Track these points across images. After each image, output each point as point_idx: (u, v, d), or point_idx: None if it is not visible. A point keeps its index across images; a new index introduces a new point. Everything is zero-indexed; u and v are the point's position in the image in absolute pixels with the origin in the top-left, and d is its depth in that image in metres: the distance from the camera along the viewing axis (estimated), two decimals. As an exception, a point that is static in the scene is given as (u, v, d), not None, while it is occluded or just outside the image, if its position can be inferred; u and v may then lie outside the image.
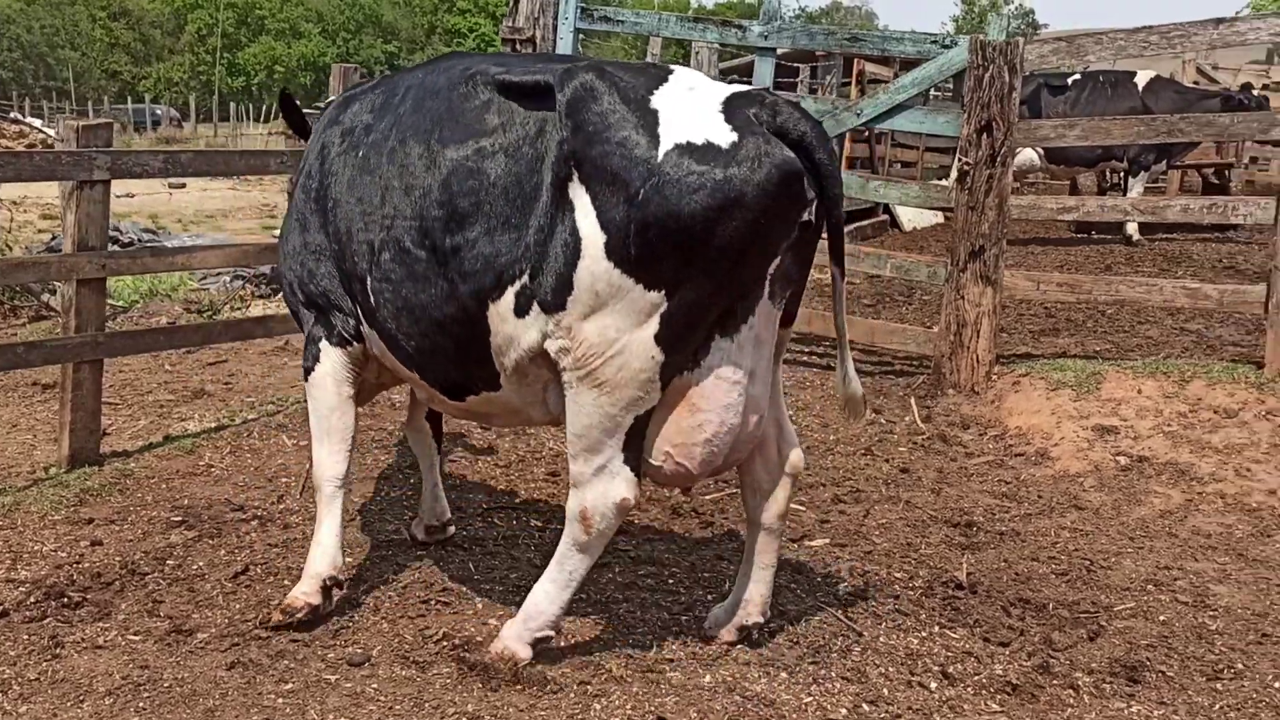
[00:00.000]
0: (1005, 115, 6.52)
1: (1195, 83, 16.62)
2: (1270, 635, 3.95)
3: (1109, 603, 4.22)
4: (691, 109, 3.26)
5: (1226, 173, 15.61)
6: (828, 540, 4.76)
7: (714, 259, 3.18)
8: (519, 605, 3.98)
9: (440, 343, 3.61)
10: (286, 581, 4.19)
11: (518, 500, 5.11)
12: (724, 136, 3.18)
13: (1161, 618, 4.09)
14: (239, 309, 9.39)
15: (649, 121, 3.23)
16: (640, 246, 3.18)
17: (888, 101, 7.07)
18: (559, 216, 3.28)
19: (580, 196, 3.26)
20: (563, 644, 3.74)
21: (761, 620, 3.78)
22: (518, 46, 7.71)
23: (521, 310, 3.37)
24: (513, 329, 3.41)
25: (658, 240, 3.16)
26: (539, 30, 7.70)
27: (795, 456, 3.72)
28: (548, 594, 3.57)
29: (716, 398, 3.35)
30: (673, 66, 3.57)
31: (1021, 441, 6.07)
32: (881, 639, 3.88)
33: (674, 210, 3.14)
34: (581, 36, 8.25)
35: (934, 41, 7.02)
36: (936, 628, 3.98)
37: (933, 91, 18.70)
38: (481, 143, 3.46)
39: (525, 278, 3.35)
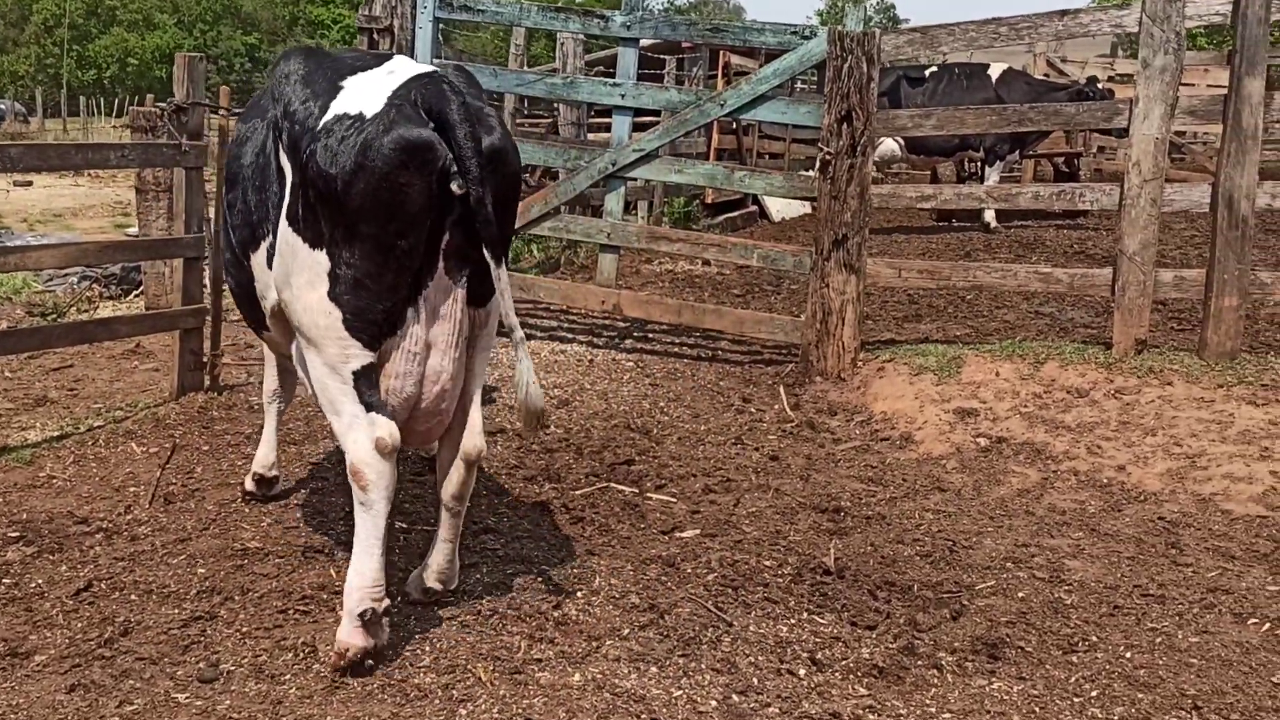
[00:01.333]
0: (865, 105, 6.62)
1: (1045, 75, 17.25)
2: (1122, 607, 4.09)
3: (970, 582, 4.31)
4: (371, 87, 3.57)
5: (1076, 161, 16.25)
6: (698, 531, 4.75)
7: (356, 221, 3.43)
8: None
9: (240, 280, 4.25)
10: (134, 597, 3.98)
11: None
12: (371, 108, 3.46)
13: (1020, 594, 4.20)
14: (86, 311, 8.94)
15: (329, 96, 3.59)
16: (304, 207, 3.53)
17: (750, 92, 7.11)
18: (277, 181, 3.75)
19: (284, 163, 3.69)
20: (427, 648, 3.64)
21: (439, 588, 3.94)
22: (375, 36, 7.50)
23: (267, 264, 3.85)
24: (264, 279, 3.92)
25: (315, 201, 3.48)
26: (397, 20, 7.50)
27: (470, 443, 3.77)
28: (353, 568, 3.55)
29: (396, 365, 3.59)
30: (396, 55, 3.95)
31: (887, 426, 6.18)
32: (751, 628, 3.88)
33: (322, 172, 3.43)
34: (443, 26, 8.09)
35: (794, 33, 7.08)
36: (805, 614, 4.00)
37: (799, 84, 18.98)
38: (256, 119, 4.12)
39: (269, 236, 3.80)
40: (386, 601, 3.55)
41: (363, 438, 3.51)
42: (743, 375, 7.24)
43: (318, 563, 4.30)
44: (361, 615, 3.46)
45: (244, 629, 3.78)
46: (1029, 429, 5.87)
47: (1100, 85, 15.04)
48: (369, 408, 3.53)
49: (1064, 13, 6.23)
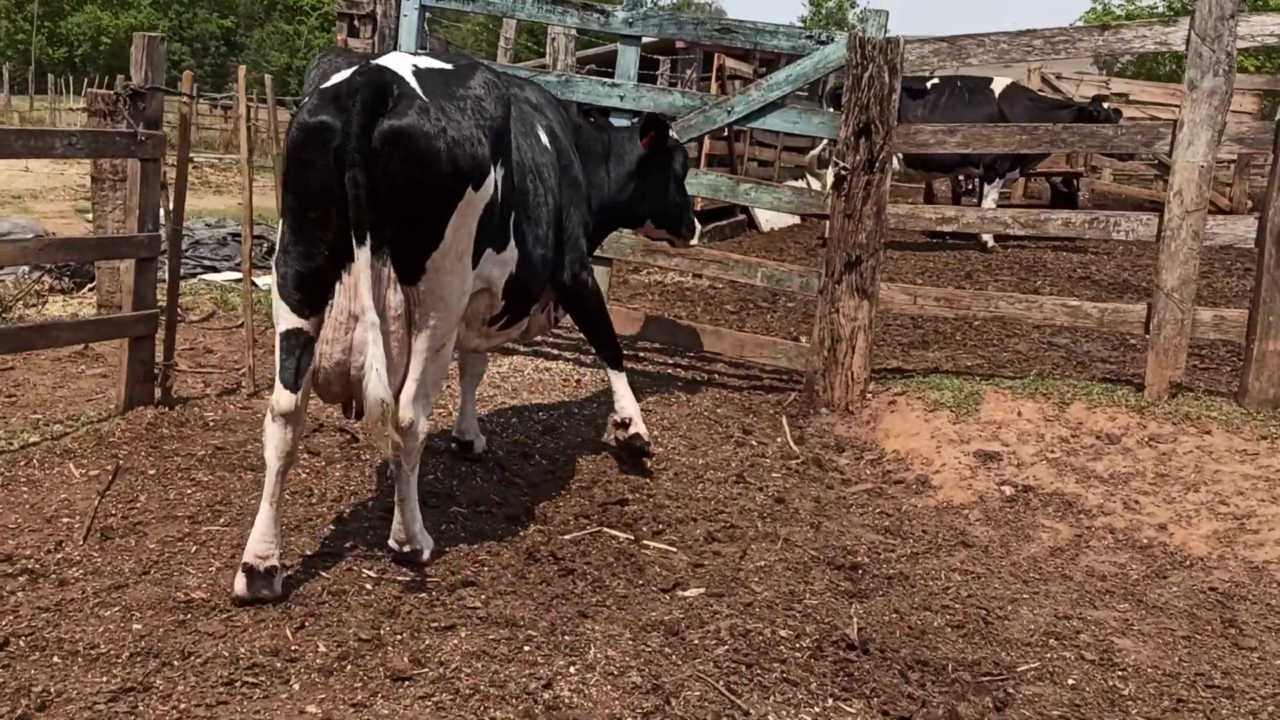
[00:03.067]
0: (885, 118, 6.14)
1: (1041, 91, 16.86)
2: (1186, 701, 3.62)
3: (1011, 662, 3.83)
4: (330, 79, 3.86)
5: (1076, 182, 15.86)
6: (703, 589, 4.24)
7: (284, 194, 3.88)
8: (344, 685, 3.34)
9: None
10: (56, 659, 3.42)
11: (346, 545, 4.41)
12: (308, 99, 3.83)
13: (1070, 681, 3.71)
14: (34, 305, 8.31)
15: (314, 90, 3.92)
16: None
17: (761, 99, 6.61)
18: None
19: None
20: (397, 740, 3.10)
21: (395, 547, 4.20)
22: (355, 23, 6.95)
23: None
24: None
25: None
26: (380, 6, 6.94)
27: (399, 414, 3.93)
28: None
29: (325, 332, 3.84)
30: (394, 54, 4.18)
31: (901, 467, 5.69)
32: (770, 717, 3.37)
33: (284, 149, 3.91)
34: (429, 15, 7.54)
35: (809, 36, 6.59)
36: (830, 700, 3.50)
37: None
38: None
39: None
40: (270, 561, 3.82)
41: (272, 399, 3.87)
42: (742, 403, 6.73)
43: (269, 621, 3.75)
44: (243, 567, 3.84)
45: (181, 704, 3.23)
46: (1058, 478, 5.40)
47: (1106, 105, 14.66)
48: (283, 372, 3.83)
49: (1105, 27, 5.77)
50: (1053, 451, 5.59)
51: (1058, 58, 6.02)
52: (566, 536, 4.62)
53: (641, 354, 7.68)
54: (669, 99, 6.94)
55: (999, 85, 13.04)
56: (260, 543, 3.83)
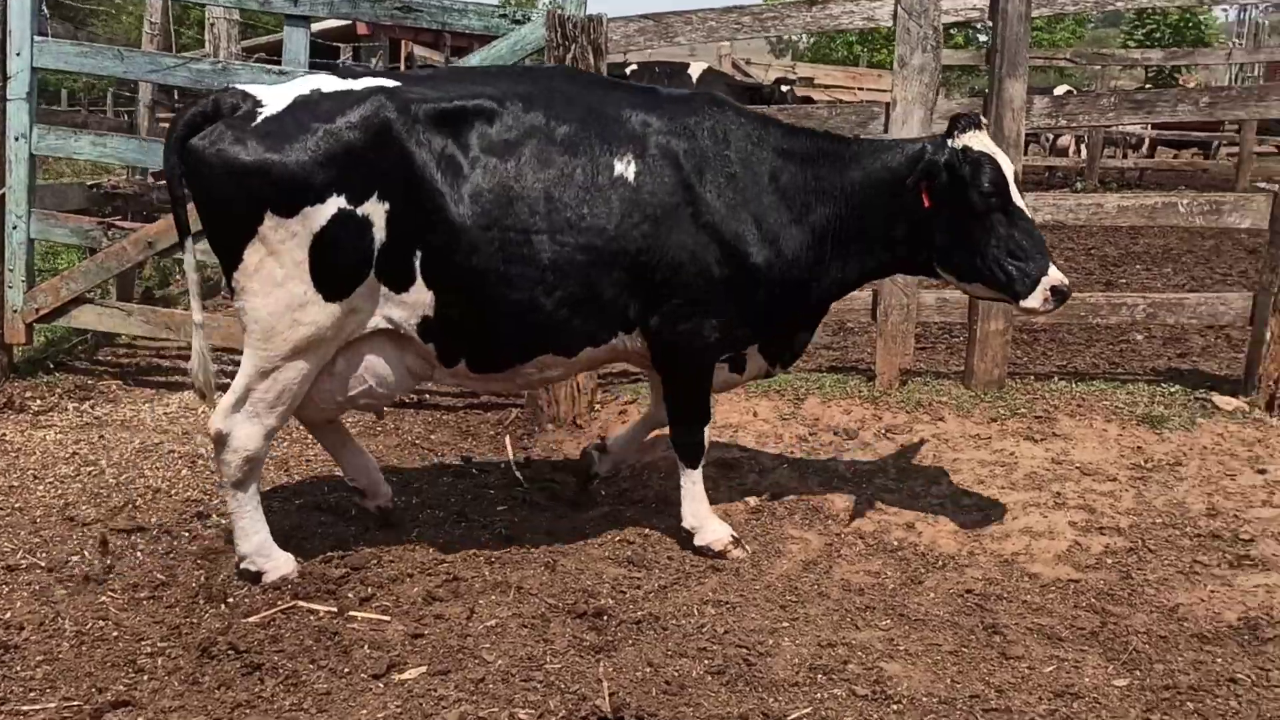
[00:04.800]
0: (592, 103, 5.60)
1: (733, 75, 17.10)
2: (968, 733, 3.29)
3: (781, 710, 3.38)
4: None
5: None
6: (424, 668, 3.54)
7: None
8: None
9: None
10: None
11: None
12: None
13: (847, 726, 3.31)
14: None
15: None
16: None
17: (453, 85, 5.91)
18: None
19: None
20: None
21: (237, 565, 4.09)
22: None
23: None
24: None
25: None
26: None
27: (213, 419, 3.98)
28: None
29: None
30: (318, 75, 4.04)
31: (638, 485, 5.20)
32: (516, 836, 2.74)
33: None
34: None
35: (503, 16, 5.97)
36: (586, 798, 2.91)
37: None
38: None
39: None
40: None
41: None
42: (458, 425, 6.05)
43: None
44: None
45: None
46: (800, 481, 5.08)
47: (786, 88, 14.97)
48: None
49: (813, 3, 5.49)
50: (793, 453, 5.27)
51: (767, 33, 5.71)
52: (252, 619, 3.80)
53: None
54: (349, 87, 6.11)
55: (696, 70, 12.99)
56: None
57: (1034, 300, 3.96)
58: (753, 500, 4.94)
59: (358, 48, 16.52)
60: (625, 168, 4.04)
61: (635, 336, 4.24)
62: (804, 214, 4.17)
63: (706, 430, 4.45)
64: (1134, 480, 5.01)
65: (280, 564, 4.09)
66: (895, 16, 5.42)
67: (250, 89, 3.90)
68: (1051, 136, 21.89)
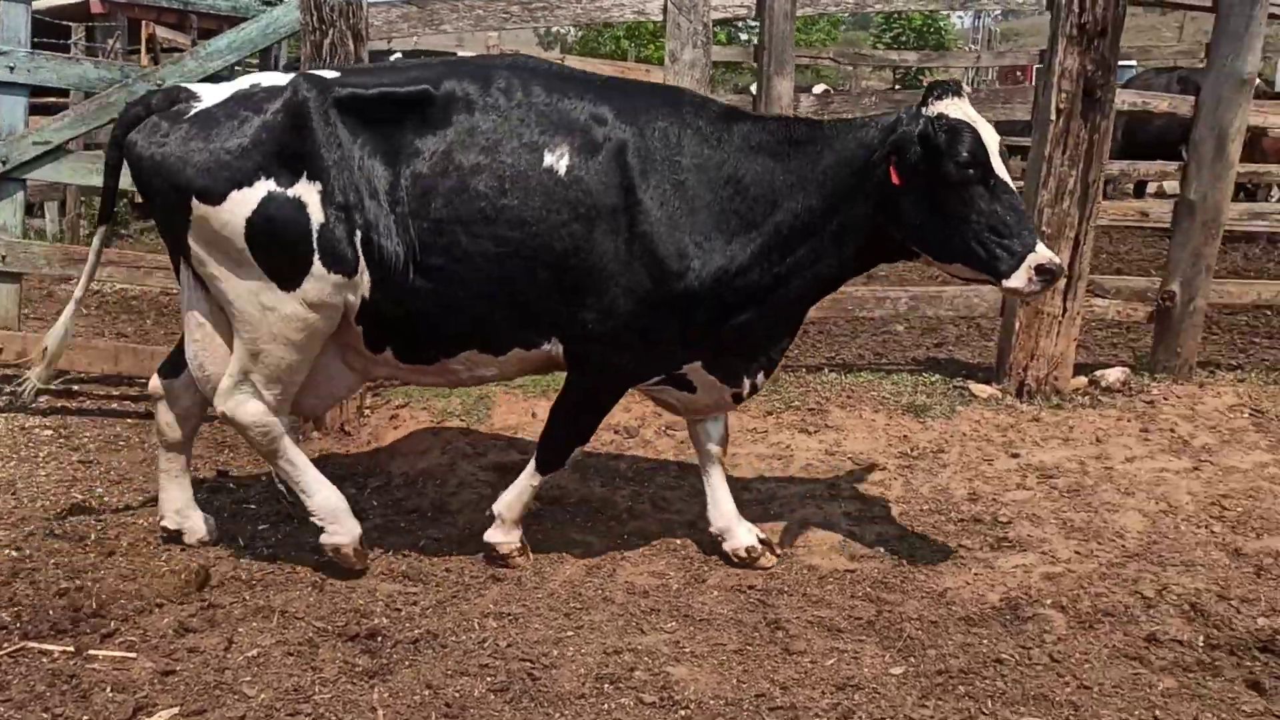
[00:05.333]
0: (354, 92, 5.30)
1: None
2: (757, 735, 3.26)
3: (567, 725, 3.26)
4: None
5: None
6: (176, 709, 3.22)
7: None
8: None
9: None
10: None
11: None
12: None
13: (635, 738, 3.22)
14: None
15: None
16: None
17: (198, 70, 5.49)
18: None
19: None
20: None
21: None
22: None
23: None
24: None
25: None
26: None
27: (215, 401, 4.07)
28: None
29: None
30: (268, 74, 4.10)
31: (413, 493, 4.96)
32: None
33: None
34: None
35: (254, -4, 5.57)
36: (361, 842, 2.70)
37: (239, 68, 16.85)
38: None
39: None
40: None
41: None
42: (214, 437, 5.61)
43: None
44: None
45: None
46: (582, 482, 4.98)
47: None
48: None
49: (583, -7, 5.38)
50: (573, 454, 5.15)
51: (536, 24, 5.56)
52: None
53: (76, 388, 6.23)
54: (79, 70, 5.59)
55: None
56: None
57: (1018, 280, 3.62)
58: (534, 501, 4.79)
59: (91, 27, 15.20)
60: (557, 160, 3.81)
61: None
62: (768, 214, 3.85)
63: (576, 451, 4.32)
64: (902, 469, 5.18)
65: (341, 532, 4.15)
66: (666, 11, 5.39)
67: (194, 87, 4.01)
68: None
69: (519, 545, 4.32)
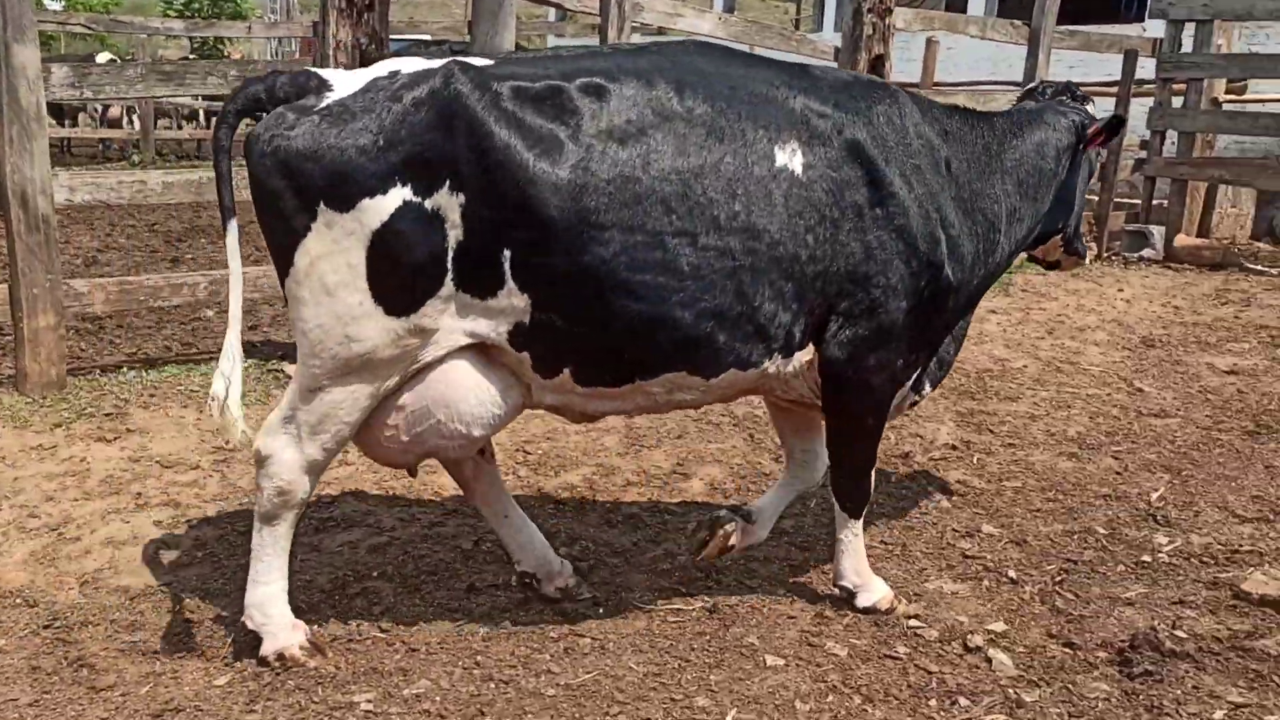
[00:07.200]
0: None
1: None
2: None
3: None
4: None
5: None
6: None
7: None
8: None
9: None
10: None
11: None
12: None
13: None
14: None
15: None
16: None
17: None
18: None
19: None
20: None
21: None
22: None
23: None
24: None
25: None
26: None
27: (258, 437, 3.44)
28: None
29: None
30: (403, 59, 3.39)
31: None
32: None
33: None
34: None
35: None
36: None
37: None
38: None
39: None
40: None
41: None
42: None
43: None
44: None
45: None
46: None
47: None
48: None
49: None
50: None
51: None
52: None
53: None
54: None
55: None
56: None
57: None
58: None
59: None
60: (790, 159, 3.38)
61: (794, 362, 3.57)
62: (974, 202, 3.79)
63: (873, 475, 3.87)
64: (218, 464, 4.93)
65: (280, 633, 3.48)
66: None
67: (325, 73, 3.34)
68: (101, 108, 20.91)
69: (887, 592, 3.93)
